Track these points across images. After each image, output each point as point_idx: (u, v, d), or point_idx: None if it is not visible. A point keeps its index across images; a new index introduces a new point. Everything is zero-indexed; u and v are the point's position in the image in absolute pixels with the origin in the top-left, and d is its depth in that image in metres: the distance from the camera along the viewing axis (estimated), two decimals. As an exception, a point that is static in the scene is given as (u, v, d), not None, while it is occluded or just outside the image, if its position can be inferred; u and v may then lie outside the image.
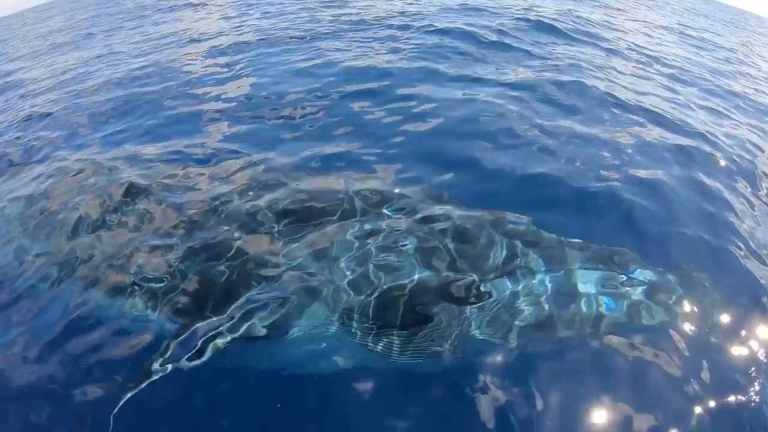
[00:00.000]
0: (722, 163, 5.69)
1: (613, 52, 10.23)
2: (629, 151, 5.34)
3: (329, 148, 5.37)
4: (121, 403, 2.74)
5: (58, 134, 7.41)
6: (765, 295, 3.62)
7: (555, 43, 9.62)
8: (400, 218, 3.85)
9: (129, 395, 2.78)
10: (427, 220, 3.81)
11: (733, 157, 6.00)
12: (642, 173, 4.90)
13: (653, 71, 9.62)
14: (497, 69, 7.58)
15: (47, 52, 16.93)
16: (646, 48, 11.49)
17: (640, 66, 9.82)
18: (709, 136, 6.45)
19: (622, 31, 12.74)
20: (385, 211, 3.98)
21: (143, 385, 2.81)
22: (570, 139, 5.37)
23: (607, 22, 13.19)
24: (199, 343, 3.00)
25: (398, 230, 3.70)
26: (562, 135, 5.46)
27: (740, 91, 9.67)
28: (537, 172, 4.60)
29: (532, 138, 5.27)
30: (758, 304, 3.52)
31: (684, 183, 4.96)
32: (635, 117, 6.44)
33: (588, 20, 12.55)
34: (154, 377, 2.84)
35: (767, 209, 5.08)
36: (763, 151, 6.64)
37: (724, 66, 11.93)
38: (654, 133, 6.07)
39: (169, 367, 2.90)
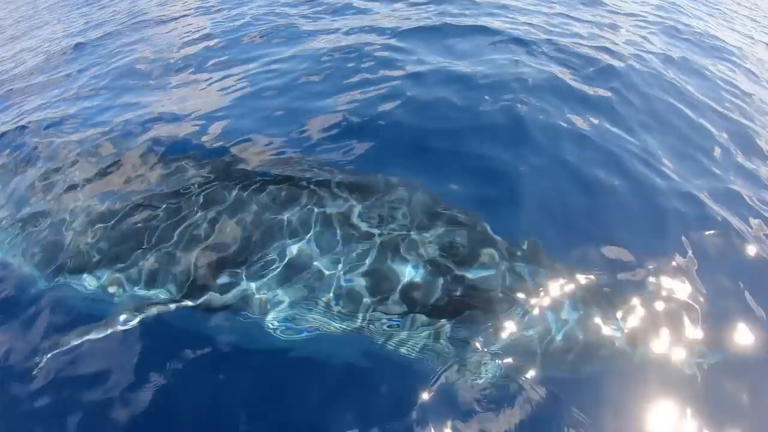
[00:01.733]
0: (598, 96, 5.35)
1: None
2: (496, 88, 5.02)
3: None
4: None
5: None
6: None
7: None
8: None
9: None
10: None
11: (626, 95, 5.62)
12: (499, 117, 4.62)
13: (587, 12, 9.06)
14: (396, 16, 7.23)
15: (4, 44, 17.03)
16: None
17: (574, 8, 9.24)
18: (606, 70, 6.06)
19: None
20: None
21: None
22: (433, 81, 5.08)
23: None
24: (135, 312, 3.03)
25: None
26: (430, 78, 5.18)
27: (675, 25, 9.13)
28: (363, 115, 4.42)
29: (384, 80, 5.04)
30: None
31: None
32: (528, 57, 6.05)
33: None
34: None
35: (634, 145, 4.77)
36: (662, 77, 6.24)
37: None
38: (538, 73, 5.67)
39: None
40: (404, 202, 3.45)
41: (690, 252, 3.59)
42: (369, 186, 3.64)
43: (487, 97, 4.76)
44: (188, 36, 8.45)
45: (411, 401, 2.60)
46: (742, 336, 3.08)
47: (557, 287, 3.02)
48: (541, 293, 2.97)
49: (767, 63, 9.08)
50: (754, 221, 4.18)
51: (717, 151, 5.22)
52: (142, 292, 3.27)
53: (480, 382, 2.69)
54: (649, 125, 5.27)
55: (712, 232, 3.83)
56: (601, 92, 5.53)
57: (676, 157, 4.87)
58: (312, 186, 3.62)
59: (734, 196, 4.45)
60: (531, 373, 2.73)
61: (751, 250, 3.72)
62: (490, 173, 3.94)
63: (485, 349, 2.78)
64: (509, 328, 2.83)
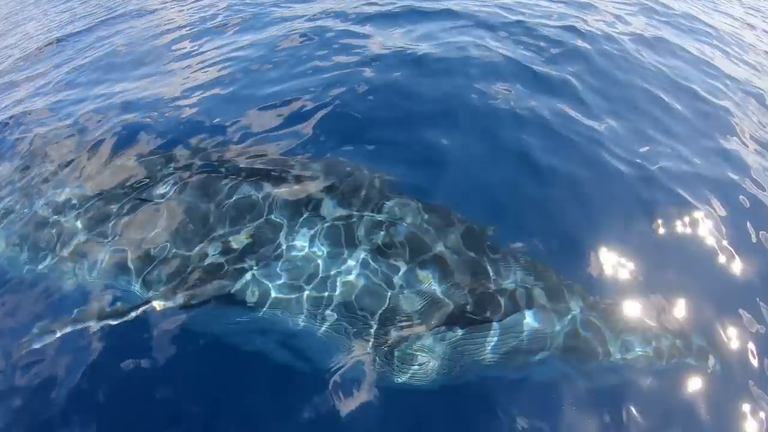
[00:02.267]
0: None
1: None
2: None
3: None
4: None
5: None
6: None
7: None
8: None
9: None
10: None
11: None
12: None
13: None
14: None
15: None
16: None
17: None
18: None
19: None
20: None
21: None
22: (388, 67, 5.05)
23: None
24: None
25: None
26: (386, 63, 5.15)
27: (654, 6, 9.01)
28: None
29: (338, 67, 5.07)
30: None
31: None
32: (492, 40, 5.97)
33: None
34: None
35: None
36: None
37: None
38: (497, 56, 5.59)
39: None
40: (353, 188, 3.45)
41: (650, 239, 3.51)
42: (318, 172, 3.67)
43: (440, 83, 4.72)
44: (161, 28, 8.49)
45: (328, 386, 2.60)
46: (706, 330, 2.99)
47: (509, 279, 2.94)
48: (492, 285, 2.89)
49: (748, 44, 8.94)
50: (718, 205, 4.07)
51: (685, 133, 5.12)
52: (109, 283, 3.29)
53: (428, 378, 2.65)
54: (613, 108, 5.17)
55: (675, 218, 3.72)
56: (564, 75, 5.43)
57: (641, 140, 4.76)
58: (262, 173, 3.68)
59: (699, 179, 4.34)
60: (476, 369, 2.69)
61: (717, 238, 3.61)
62: (438, 161, 3.89)
63: (430, 343, 2.74)
64: (458, 321, 2.77)
